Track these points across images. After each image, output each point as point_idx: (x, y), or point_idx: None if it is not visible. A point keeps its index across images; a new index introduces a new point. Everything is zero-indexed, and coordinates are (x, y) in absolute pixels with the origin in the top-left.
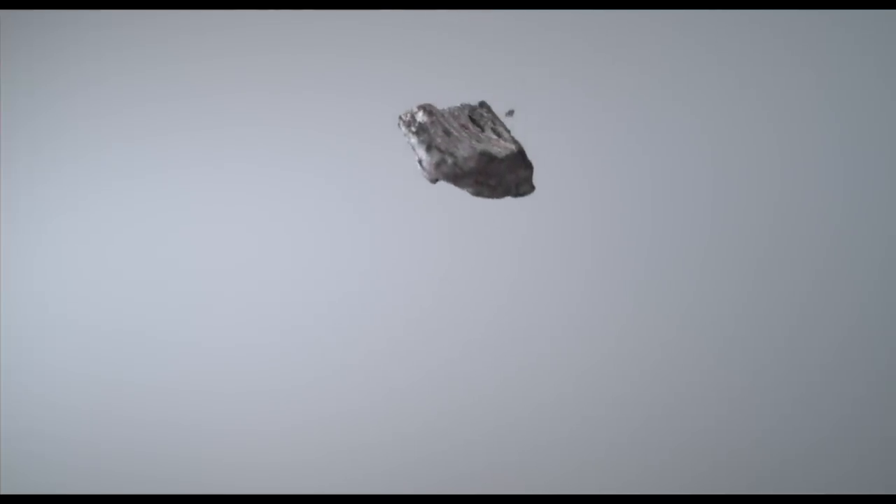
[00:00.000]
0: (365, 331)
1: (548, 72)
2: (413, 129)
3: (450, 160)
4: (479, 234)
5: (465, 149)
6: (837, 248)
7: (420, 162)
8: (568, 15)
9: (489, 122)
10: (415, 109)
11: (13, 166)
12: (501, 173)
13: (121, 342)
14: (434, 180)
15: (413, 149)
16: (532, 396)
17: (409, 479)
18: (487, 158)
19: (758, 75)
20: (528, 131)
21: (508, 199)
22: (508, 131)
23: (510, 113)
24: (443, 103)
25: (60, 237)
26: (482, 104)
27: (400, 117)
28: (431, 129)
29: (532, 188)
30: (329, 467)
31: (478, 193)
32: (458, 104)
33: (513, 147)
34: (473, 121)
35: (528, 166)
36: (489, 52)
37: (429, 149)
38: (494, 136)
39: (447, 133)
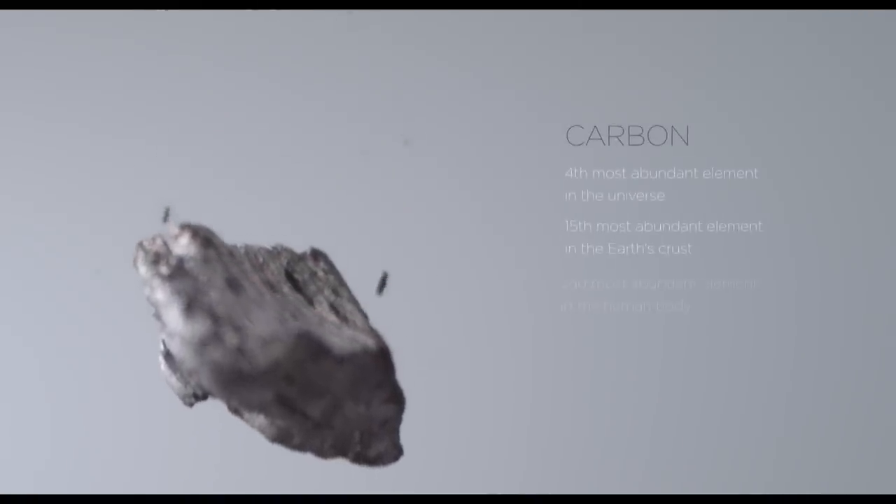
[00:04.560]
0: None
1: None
2: (164, 269)
3: (232, 339)
4: None
5: (266, 319)
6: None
7: (167, 340)
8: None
9: (326, 290)
10: (175, 231)
11: None
12: (335, 392)
13: None
14: (189, 398)
15: (156, 309)
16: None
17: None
18: (309, 348)
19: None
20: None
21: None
22: (365, 316)
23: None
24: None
25: None
26: (316, 254)
27: (141, 246)
28: (202, 273)
29: (396, 454)
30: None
31: (279, 437)
32: (270, 246)
33: (368, 341)
34: (291, 279)
35: (395, 395)
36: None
37: (190, 307)
38: (333, 317)
39: (233, 284)
